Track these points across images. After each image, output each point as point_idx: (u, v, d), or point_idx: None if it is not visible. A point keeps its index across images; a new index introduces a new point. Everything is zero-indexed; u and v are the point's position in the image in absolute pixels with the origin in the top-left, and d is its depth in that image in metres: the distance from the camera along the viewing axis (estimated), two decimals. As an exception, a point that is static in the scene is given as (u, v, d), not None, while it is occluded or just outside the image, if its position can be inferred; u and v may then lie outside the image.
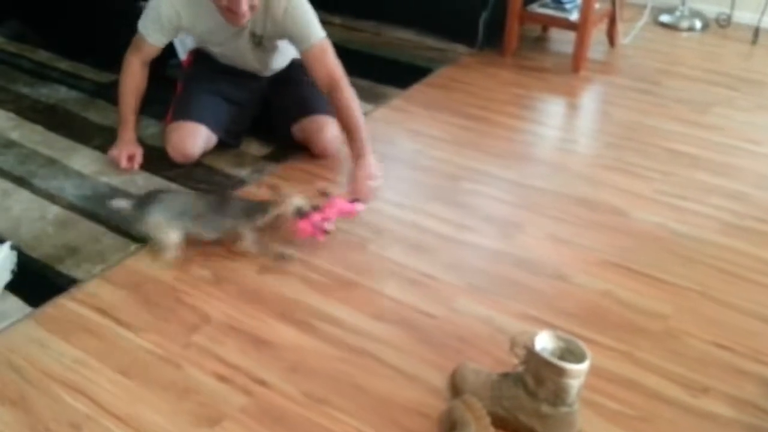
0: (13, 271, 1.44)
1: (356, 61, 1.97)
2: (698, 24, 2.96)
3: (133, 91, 1.81)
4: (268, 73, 1.94)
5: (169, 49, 1.84)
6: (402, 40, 2.72)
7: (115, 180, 1.78)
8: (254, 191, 1.75)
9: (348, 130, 1.71)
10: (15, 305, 1.36)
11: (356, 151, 1.68)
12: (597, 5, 2.47)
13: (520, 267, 1.51)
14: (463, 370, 1.18)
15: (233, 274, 1.48)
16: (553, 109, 2.30)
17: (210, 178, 1.80)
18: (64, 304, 1.38)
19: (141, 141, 1.89)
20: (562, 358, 1.07)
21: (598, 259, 1.54)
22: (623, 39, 2.77)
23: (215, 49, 1.85)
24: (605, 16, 2.63)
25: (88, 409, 1.16)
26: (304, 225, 1.50)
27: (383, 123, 2.13)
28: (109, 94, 2.20)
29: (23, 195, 1.71)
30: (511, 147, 2.02)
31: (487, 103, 2.26)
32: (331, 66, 1.73)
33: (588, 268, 1.51)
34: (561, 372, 1.05)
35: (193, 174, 1.80)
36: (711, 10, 3.03)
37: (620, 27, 2.71)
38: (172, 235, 1.48)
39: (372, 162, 1.67)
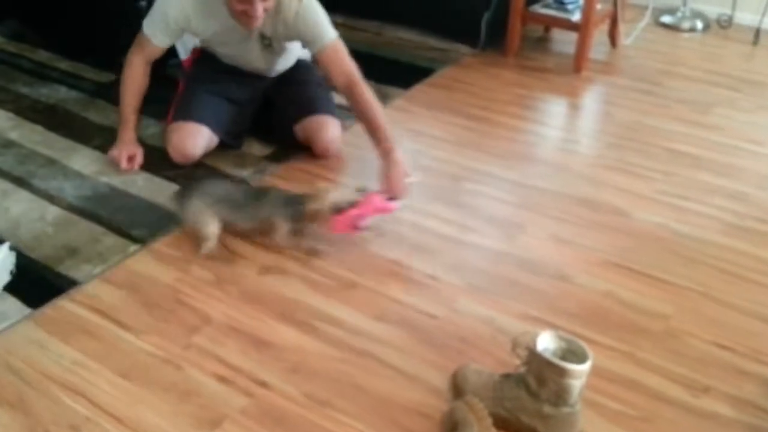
0: (12, 272, 1.43)
1: (358, 61, 1.95)
2: (699, 25, 2.97)
3: (134, 91, 1.80)
4: (272, 74, 1.94)
5: (170, 49, 1.84)
6: (404, 40, 2.72)
7: (115, 180, 1.77)
8: (292, 185, 1.74)
9: (371, 128, 1.68)
10: (14, 306, 1.36)
11: (384, 149, 1.64)
12: (599, 6, 2.47)
13: (522, 267, 1.51)
14: (465, 371, 1.18)
15: (234, 275, 1.47)
16: (554, 110, 2.30)
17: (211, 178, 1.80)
18: (63, 305, 1.38)
19: (141, 141, 1.89)
20: (563, 358, 1.07)
21: (600, 260, 1.54)
22: (625, 40, 2.77)
23: (221, 50, 1.85)
24: (607, 16, 2.63)
25: (87, 411, 1.15)
26: (339, 220, 1.49)
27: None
28: (109, 94, 2.19)
29: (22, 195, 1.71)
30: (513, 147, 2.02)
31: (489, 103, 2.26)
32: (346, 66, 1.72)
33: (589, 268, 1.51)
34: (563, 372, 1.04)
35: (194, 174, 1.80)
36: (712, 11, 3.03)
37: (622, 28, 2.71)
38: (211, 226, 1.49)
39: (402, 158, 1.63)
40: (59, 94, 2.22)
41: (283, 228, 1.50)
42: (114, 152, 1.82)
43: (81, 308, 1.37)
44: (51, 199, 1.70)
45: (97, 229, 1.59)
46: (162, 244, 1.55)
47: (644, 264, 1.52)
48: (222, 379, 1.22)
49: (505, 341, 1.25)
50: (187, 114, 1.82)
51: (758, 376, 1.25)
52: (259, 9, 1.59)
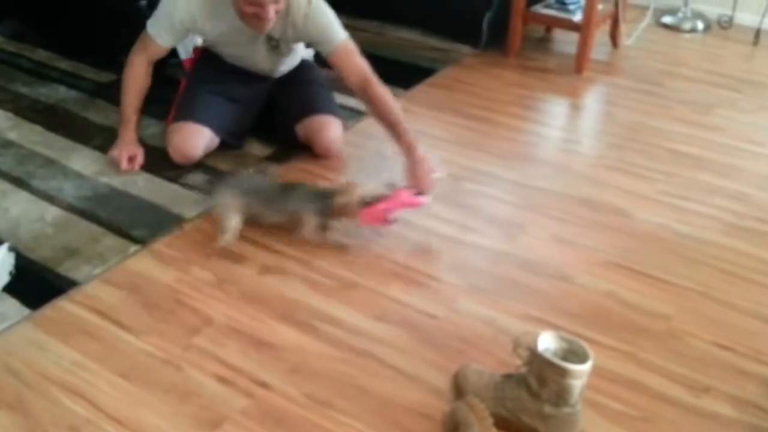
0: (11, 273, 1.43)
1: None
2: (700, 25, 2.97)
3: (136, 91, 1.79)
4: (276, 74, 1.93)
5: (171, 49, 1.83)
6: (405, 40, 2.72)
7: (115, 180, 1.77)
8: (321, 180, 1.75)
9: (390, 126, 1.67)
10: (13, 307, 1.35)
11: (405, 145, 1.63)
12: (600, 6, 2.47)
13: (523, 268, 1.51)
14: (466, 371, 1.18)
15: (234, 275, 1.47)
16: (556, 110, 2.30)
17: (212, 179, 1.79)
18: (63, 306, 1.37)
19: (141, 141, 1.88)
20: (564, 358, 1.06)
21: (601, 260, 1.54)
22: (626, 40, 2.77)
23: (226, 50, 1.84)
24: (608, 17, 2.63)
25: (87, 413, 1.15)
26: (368, 214, 1.50)
27: (386, 123, 2.12)
28: (109, 93, 2.19)
29: (22, 196, 1.70)
30: (514, 148, 2.01)
31: (490, 103, 2.26)
32: (358, 65, 1.72)
33: (591, 268, 1.51)
34: (564, 373, 1.04)
35: (194, 175, 1.79)
36: (713, 12, 3.03)
37: (623, 28, 2.71)
38: (233, 220, 1.50)
39: (426, 153, 1.62)
40: (59, 93, 2.21)
41: (310, 222, 1.51)
42: (114, 152, 1.81)
43: (81, 309, 1.36)
44: (50, 199, 1.69)
45: (97, 229, 1.58)
46: (162, 245, 1.55)
47: (645, 264, 1.52)
48: (222, 380, 1.21)
49: (506, 341, 1.25)
50: (188, 114, 1.81)
51: (759, 376, 1.25)
52: (271, 12, 1.59)
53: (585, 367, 1.05)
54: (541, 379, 1.07)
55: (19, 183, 1.75)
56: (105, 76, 2.31)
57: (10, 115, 2.08)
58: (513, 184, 1.82)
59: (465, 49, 2.64)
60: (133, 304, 1.38)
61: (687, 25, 2.96)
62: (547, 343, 1.08)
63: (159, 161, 1.82)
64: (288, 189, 1.56)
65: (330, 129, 1.85)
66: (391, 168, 1.87)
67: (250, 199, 1.53)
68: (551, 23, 2.66)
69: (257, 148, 1.94)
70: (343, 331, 1.33)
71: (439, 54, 2.61)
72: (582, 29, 2.45)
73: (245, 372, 1.23)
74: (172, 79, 2.03)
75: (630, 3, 2.88)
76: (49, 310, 1.36)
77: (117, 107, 1.87)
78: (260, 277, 1.46)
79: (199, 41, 1.92)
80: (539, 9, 2.58)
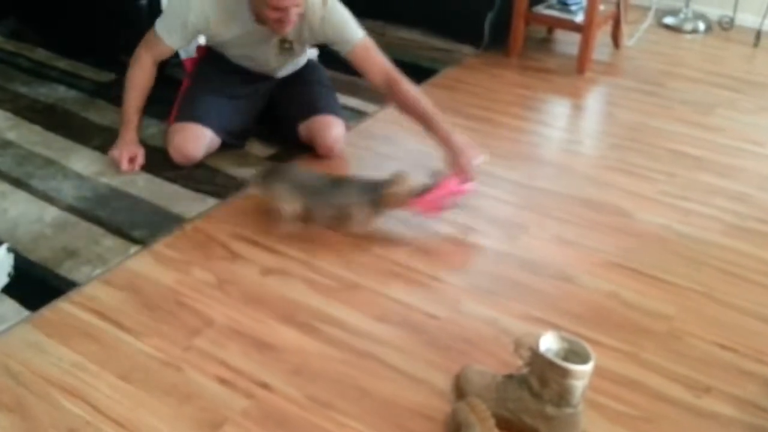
0: (10, 274, 1.42)
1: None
2: (701, 26, 2.97)
3: (140, 90, 1.77)
4: (282, 75, 1.92)
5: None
6: (407, 40, 2.72)
7: (115, 181, 1.76)
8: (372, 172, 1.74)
9: (423, 118, 1.67)
10: (12, 309, 1.34)
11: (442, 136, 1.63)
12: (602, 7, 2.48)
13: (525, 268, 1.51)
14: (468, 372, 1.17)
15: (235, 276, 1.46)
16: (557, 111, 2.30)
17: (212, 179, 1.78)
18: (62, 307, 1.36)
19: (141, 141, 1.87)
20: (566, 359, 1.06)
21: (603, 260, 1.53)
22: (628, 41, 2.78)
23: (235, 51, 1.82)
24: (610, 17, 2.63)
25: (87, 415, 1.14)
26: (419, 203, 1.53)
27: (388, 123, 2.12)
28: (109, 93, 2.18)
29: (21, 196, 1.69)
30: (516, 148, 2.01)
31: (492, 104, 2.26)
32: (380, 62, 1.72)
33: (592, 269, 1.51)
34: (565, 373, 1.04)
35: (195, 175, 1.79)
36: (714, 13, 3.04)
37: (625, 29, 2.71)
38: (293, 205, 1.52)
39: (464, 141, 1.62)
40: (58, 93, 2.20)
41: (360, 215, 1.52)
42: (115, 153, 1.80)
43: (80, 310, 1.36)
44: (50, 200, 1.68)
45: (97, 230, 1.58)
46: (162, 246, 1.54)
47: (646, 265, 1.52)
48: (223, 381, 1.21)
49: (508, 342, 1.24)
50: (189, 115, 1.80)
51: (760, 376, 1.25)
52: (293, 15, 1.59)
53: (587, 368, 1.04)
54: (542, 379, 1.07)
55: (18, 183, 1.74)
56: (105, 76, 2.31)
57: (9, 115, 2.07)
58: (514, 185, 1.82)
59: (467, 49, 2.64)
60: (133, 305, 1.37)
61: (688, 26, 2.97)
62: (548, 343, 1.08)
63: (159, 161, 1.81)
64: (337, 182, 1.58)
65: (333, 129, 1.85)
66: (392, 168, 1.88)
67: (301, 192, 1.54)
68: (553, 24, 2.66)
69: (258, 149, 1.93)
70: (344, 332, 1.32)
71: (441, 54, 2.61)
72: (584, 30, 2.45)
73: (246, 373, 1.22)
74: (172, 79, 2.03)
75: (631, 4, 2.89)
76: (48, 312, 1.35)
77: (117, 107, 1.86)
78: (261, 277, 1.46)
79: (201, 41, 1.92)
80: (541, 9, 2.59)
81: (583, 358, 1.06)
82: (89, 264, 1.46)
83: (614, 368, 1.25)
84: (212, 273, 1.47)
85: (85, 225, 1.59)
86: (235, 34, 1.72)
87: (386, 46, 2.35)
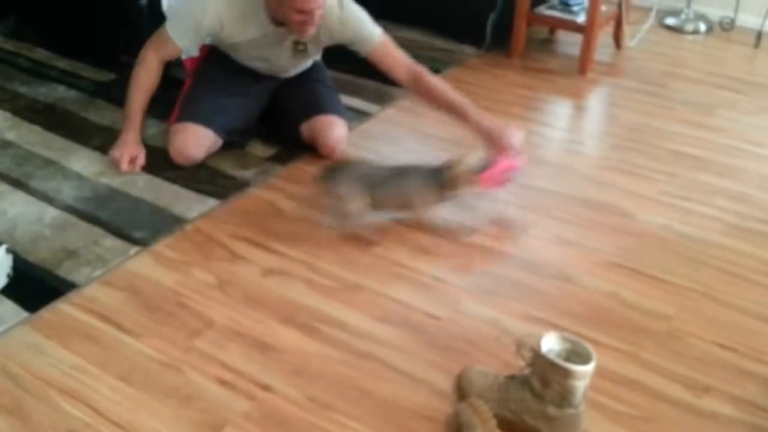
0: (9, 275, 1.41)
1: (363, 62, 1.95)
2: (703, 27, 2.98)
3: (145, 90, 1.76)
4: (288, 75, 1.92)
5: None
6: (409, 40, 2.70)
7: (115, 181, 1.75)
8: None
9: (453, 107, 1.70)
10: (11, 310, 1.33)
11: (475, 121, 1.66)
12: (603, 8, 2.48)
13: (525, 268, 1.50)
14: (470, 373, 1.17)
15: (236, 277, 1.46)
16: (559, 111, 2.30)
17: (213, 179, 1.78)
18: (62, 308, 1.36)
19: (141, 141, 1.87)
20: (568, 359, 1.06)
21: (603, 260, 1.53)
22: (629, 41, 2.78)
23: (245, 53, 1.81)
24: (611, 18, 2.63)
25: (87, 417, 1.14)
26: (486, 179, 1.56)
27: (390, 124, 2.12)
28: (109, 93, 2.18)
29: (20, 197, 1.69)
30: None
31: (494, 104, 2.25)
32: (401, 58, 1.75)
33: (593, 269, 1.51)
34: (567, 374, 1.04)
35: (195, 175, 1.78)
36: (715, 14, 3.04)
37: (626, 29, 2.72)
38: (355, 204, 1.53)
39: (495, 122, 1.66)
40: (58, 93, 2.19)
41: (427, 200, 1.54)
42: (115, 153, 1.79)
43: (80, 311, 1.35)
44: (49, 200, 1.68)
45: (97, 231, 1.57)
46: (163, 247, 1.54)
47: (647, 265, 1.52)
48: (223, 383, 1.20)
49: (510, 343, 1.25)
50: (191, 115, 1.79)
51: (759, 376, 1.25)
52: (317, 17, 1.60)
53: (588, 368, 1.04)
54: (544, 380, 1.07)
55: (17, 184, 1.74)
56: (104, 76, 2.30)
57: (8, 115, 2.06)
58: (516, 185, 1.81)
59: (469, 49, 2.63)
60: (133, 306, 1.37)
61: (689, 27, 2.97)
62: (550, 344, 1.08)
63: (159, 162, 1.81)
64: (399, 171, 1.59)
65: (335, 129, 1.84)
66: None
67: (367, 184, 1.55)
68: (555, 24, 2.66)
69: (259, 149, 1.93)
70: (345, 333, 1.32)
71: (443, 54, 2.60)
72: (585, 31, 2.45)
73: (247, 375, 1.22)
74: (173, 79, 2.02)
75: (633, 4, 2.89)
76: (47, 313, 1.35)
77: (117, 107, 1.86)
78: (262, 278, 1.46)
79: (206, 41, 1.91)
80: (543, 10, 2.59)
81: (584, 359, 1.06)
82: (89, 265, 1.46)
83: (614, 368, 1.25)
84: (213, 274, 1.46)
85: (84, 226, 1.59)
86: (249, 36, 1.71)
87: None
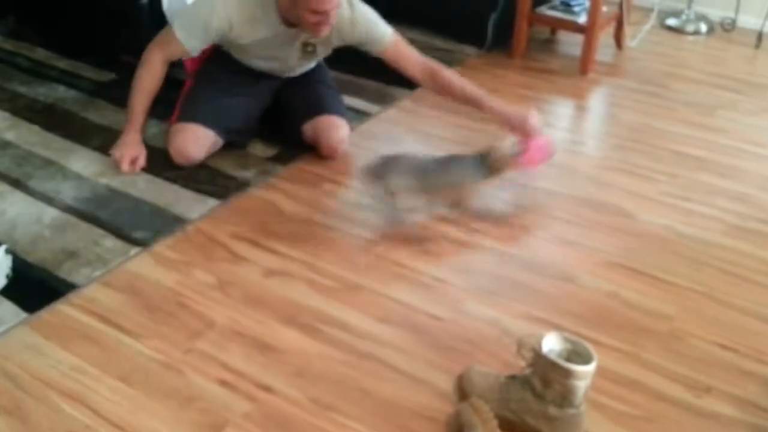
0: (8, 276, 1.41)
1: (364, 62, 1.95)
2: (704, 28, 2.98)
3: (149, 90, 1.75)
4: (292, 75, 1.91)
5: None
6: (410, 40, 2.66)
7: (115, 182, 1.75)
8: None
9: (471, 99, 1.75)
10: (10, 311, 1.33)
11: (494, 110, 1.73)
12: (605, 8, 2.48)
13: (527, 269, 1.50)
14: (471, 373, 1.17)
15: (236, 277, 1.45)
16: (560, 111, 2.29)
17: (213, 179, 1.77)
18: (61, 309, 1.35)
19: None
20: (568, 359, 1.06)
21: (604, 261, 1.53)
22: (630, 42, 2.78)
23: (253, 54, 1.79)
24: (613, 19, 2.63)
25: (87, 419, 1.13)
26: (528, 159, 1.62)
27: (391, 124, 2.12)
28: (109, 93, 2.17)
29: (19, 197, 1.68)
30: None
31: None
32: (414, 55, 1.77)
33: (594, 269, 1.51)
34: (568, 374, 1.04)
35: (196, 176, 1.78)
36: (716, 14, 3.04)
37: (627, 30, 2.71)
38: (407, 199, 1.54)
39: (506, 106, 1.73)
40: (57, 93, 2.19)
41: (475, 188, 1.59)
42: (116, 153, 1.78)
43: (80, 312, 1.35)
44: (49, 201, 1.67)
45: (97, 231, 1.57)
46: (163, 247, 1.53)
47: (648, 265, 1.52)
48: (224, 384, 1.20)
49: (511, 343, 1.25)
50: (192, 115, 1.78)
51: (760, 376, 1.25)
52: (333, 17, 1.60)
53: (589, 368, 1.04)
54: (545, 380, 1.07)
55: (17, 184, 1.73)
56: (104, 76, 2.30)
57: (7, 115, 2.06)
58: (517, 185, 1.81)
59: (470, 50, 2.63)
60: (133, 307, 1.36)
61: (690, 28, 2.97)
62: (551, 344, 1.08)
63: (160, 162, 1.80)
64: (445, 161, 1.61)
65: (337, 129, 1.84)
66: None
67: (414, 177, 1.56)
68: (556, 25, 2.66)
69: (260, 149, 1.92)
70: (346, 333, 1.31)
71: (444, 55, 2.59)
72: (587, 31, 2.45)
73: (248, 376, 1.22)
74: (173, 79, 2.01)
75: (634, 5, 2.89)
76: (47, 314, 1.34)
77: (117, 107, 1.86)
78: (262, 279, 1.45)
79: (213, 41, 1.90)
80: (544, 10, 2.58)
81: (585, 359, 1.06)
82: (89, 265, 1.45)
83: (615, 368, 1.25)
84: (213, 274, 1.46)
85: (84, 226, 1.58)
86: (258, 37, 1.70)
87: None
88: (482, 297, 1.42)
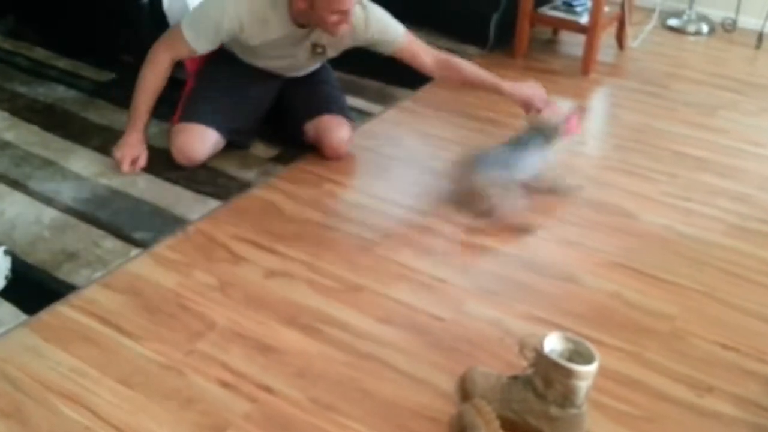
0: (7, 277, 1.40)
1: (365, 62, 1.95)
2: (705, 28, 2.98)
3: (153, 89, 1.73)
4: (297, 75, 1.90)
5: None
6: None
7: (115, 182, 1.74)
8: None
9: (487, 84, 1.85)
10: (9, 312, 1.32)
11: (509, 92, 1.84)
12: (606, 9, 2.48)
13: (528, 269, 1.50)
14: (473, 374, 1.17)
15: (237, 278, 1.45)
16: (562, 111, 2.29)
17: (214, 180, 1.77)
18: (61, 311, 1.35)
19: (141, 142, 1.86)
20: (570, 359, 1.06)
21: (605, 261, 1.53)
22: (632, 42, 2.78)
23: (261, 55, 1.78)
24: (614, 19, 2.63)
25: (87, 421, 1.13)
26: (570, 128, 1.76)
27: (393, 124, 2.11)
28: (109, 93, 2.17)
29: (18, 198, 1.67)
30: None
31: (497, 104, 2.24)
32: (426, 50, 1.81)
33: (596, 269, 1.51)
34: (570, 374, 1.04)
35: (196, 176, 1.77)
36: (717, 15, 3.04)
37: (629, 30, 2.71)
38: (493, 198, 1.61)
39: (513, 85, 1.85)
40: (57, 93, 2.18)
41: (549, 162, 1.70)
42: (117, 153, 1.77)
43: (79, 314, 1.34)
44: (48, 201, 1.67)
45: (97, 232, 1.56)
46: (164, 248, 1.53)
47: (649, 265, 1.52)
48: (225, 385, 1.19)
49: (513, 343, 1.24)
50: (194, 115, 1.77)
51: (761, 376, 1.25)
52: (351, 15, 1.61)
53: (591, 368, 1.04)
54: (547, 380, 1.06)
55: (16, 185, 1.72)
56: (105, 76, 2.29)
57: (6, 115, 2.05)
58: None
59: (472, 50, 2.62)
60: (134, 308, 1.36)
61: (692, 28, 2.97)
62: (553, 344, 1.08)
63: (160, 162, 1.80)
64: (516, 145, 1.69)
65: (340, 129, 1.83)
66: (396, 169, 1.86)
67: (501, 166, 1.62)
68: (558, 25, 2.66)
69: (261, 149, 1.92)
70: (347, 334, 1.31)
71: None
72: (588, 31, 2.45)
73: (249, 377, 1.21)
74: (174, 79, 2.00)
75: (636, 5, 2.89)
76: (46, 316, 1.34)
77: (117, 107, 1.85)
78: (263, 279, 1.45)
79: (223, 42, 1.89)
80: (546, 11, 2.58)
81: (587, 359, 1.06)
82: (89, 267, 1.45)
83: (617, 368, 1.25)
84: (214, 275, 1.45)
85: (84, 227, 1.58)
86: (269, 38, 1.69)
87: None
88: (483, 297, 1.42)
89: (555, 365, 1.04)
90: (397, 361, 1.25)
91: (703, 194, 1.79)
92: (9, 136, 1.94)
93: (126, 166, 1.76)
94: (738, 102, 2.33)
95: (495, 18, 2.59)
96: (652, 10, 3.05)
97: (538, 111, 1.82)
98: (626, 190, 1.80)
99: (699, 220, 1.69)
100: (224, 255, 1.51)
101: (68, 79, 2.27)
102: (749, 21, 2.98)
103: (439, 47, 2.63)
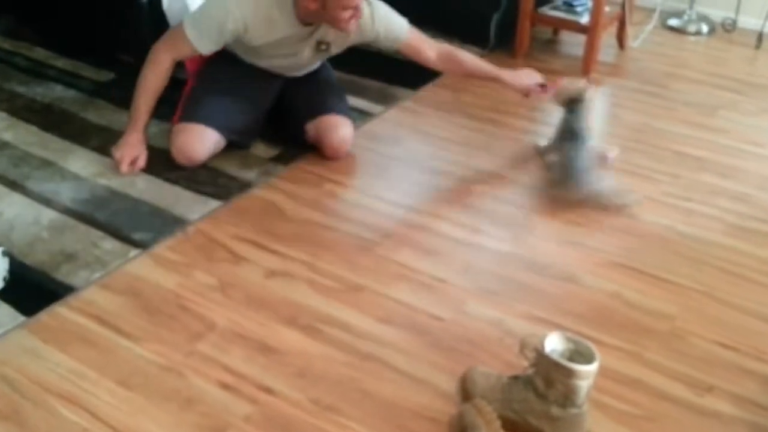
0: (5, 278, 1.39)
1: (366, 62, 1.94)
2: (705, 28, 2.98)
3: (153, 90, 1.72)
4: (298, 74, 1.90)
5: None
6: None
7: (114, 182, 1.74)
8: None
9: (487, 74, 1.91)
10: (7, 314, 1.32)
11: (509, 81, 1.91)
12: (607, 9, 2.48)
13: (529, 269, 1.50)
14: (473, 374, 1.17)
15: (238, 279, 1.45)
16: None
17: (214, 180, 1.76)
18: (59, 312, 1.34)
19: (141, 142, 1.85)
20: (571, 359, 1.06)
21: (606, 261, 1.53)
22: (632, 42, 2.78)
23: (264, 54, 1.78)
24: (615, 19, 2.63)
25: (85, 422, 1.12)
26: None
27: (393, 124, 2.11)
28: (108, 93, 2.16)
29: (16, 198, 1.67)
30: (521, 149, 2.00)
31: (497, 104, 2.25)
32: (430, 44, 1.83)
33: (596, 269, 1.50)
34: (570, 373, 1.04)
35: (196, 176, 1.76)
36: (717, 15, 3.04)
37: (629, 30, 2.71)
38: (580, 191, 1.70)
39: (507, 72, 1.94)
40: (56, 93, 2.18)
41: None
42: (117, 153, 1.76)
43: (78, 315, 1.34)
44: (47, 202, 1.66)
45: (96, 233, 1.56)
46: (163, 248, 1.52)
47: (649, 265, 1.52)
48: (225, 386, 1.19)
49: (513, 343, 1.24)
50: (194, 115, 1.77)
51: (761, 375, 1.25)
52: (360, 10, 1.62)
53: (591, 368, 1.04)
54: (547, 380, 1.06)
55: (14, 185, 1.72)
56: (104, 75, 2.28)
57: (4, 115, 2.04)
58: (519, 185, 1.81)
59: (473, 50, 2.57)
60: (133, 309, 1.35)
61: (692, 28, 2.97)
62: (553, 344, 1.08)
63: (160, 162, 1.79)
64: (568, 135, 1.76)
65: (341, 129, 1.83)
66: (397, 169, 1.86)
67: (587, 170, 1.73)
68: (559, 25, 2.66)
69: (262, 149, 1.91)
70: (347, 334, 1.31)
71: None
72: (589, 31, 2.45)
73: (249, 378, 1.21)
74: (174, 79, 2.00)
75: (636, 5, 2.89)
76: (45, 317, 1.33)
77: (116, 107, 1.84)
78: (264, 280, 1.44)
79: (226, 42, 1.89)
80: (547, 11, 2.59)
81: (587, 359, 1.06)
82: (87, 268, 1.44)
83: (617, 368, 1.25)
84: (214, 276, 1.45)
85: (83, 228, 1.57)
86: (273, 37, 1.69)
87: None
88: (484, 297, 1.41)
89: (556, 365, 1.04)
90: (397, 361, 1.25)
91: (703, 194, 1.79)
92: (7, 136, 1.94)
93: (125, 167, 1.75)
94: (738, 102, 2.33)
95: (495, 18, 2.59)
96: (652, 10, 3.05)
97: (539, 93, 1.92)
98: (627, 190, 1.80)
99: (699, 219, 1.69)
100: (224, 255, 1.51)
101: (67, 78, 2.27)
102: (749, 21, 2.98)
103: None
